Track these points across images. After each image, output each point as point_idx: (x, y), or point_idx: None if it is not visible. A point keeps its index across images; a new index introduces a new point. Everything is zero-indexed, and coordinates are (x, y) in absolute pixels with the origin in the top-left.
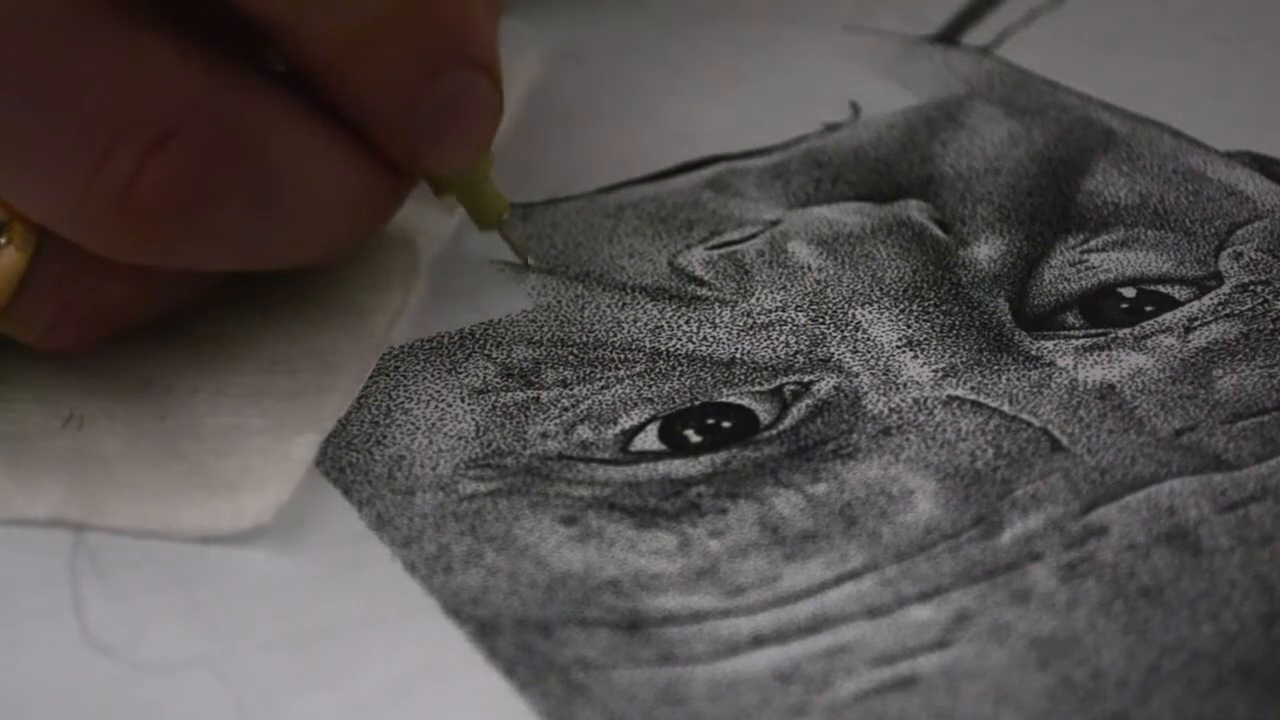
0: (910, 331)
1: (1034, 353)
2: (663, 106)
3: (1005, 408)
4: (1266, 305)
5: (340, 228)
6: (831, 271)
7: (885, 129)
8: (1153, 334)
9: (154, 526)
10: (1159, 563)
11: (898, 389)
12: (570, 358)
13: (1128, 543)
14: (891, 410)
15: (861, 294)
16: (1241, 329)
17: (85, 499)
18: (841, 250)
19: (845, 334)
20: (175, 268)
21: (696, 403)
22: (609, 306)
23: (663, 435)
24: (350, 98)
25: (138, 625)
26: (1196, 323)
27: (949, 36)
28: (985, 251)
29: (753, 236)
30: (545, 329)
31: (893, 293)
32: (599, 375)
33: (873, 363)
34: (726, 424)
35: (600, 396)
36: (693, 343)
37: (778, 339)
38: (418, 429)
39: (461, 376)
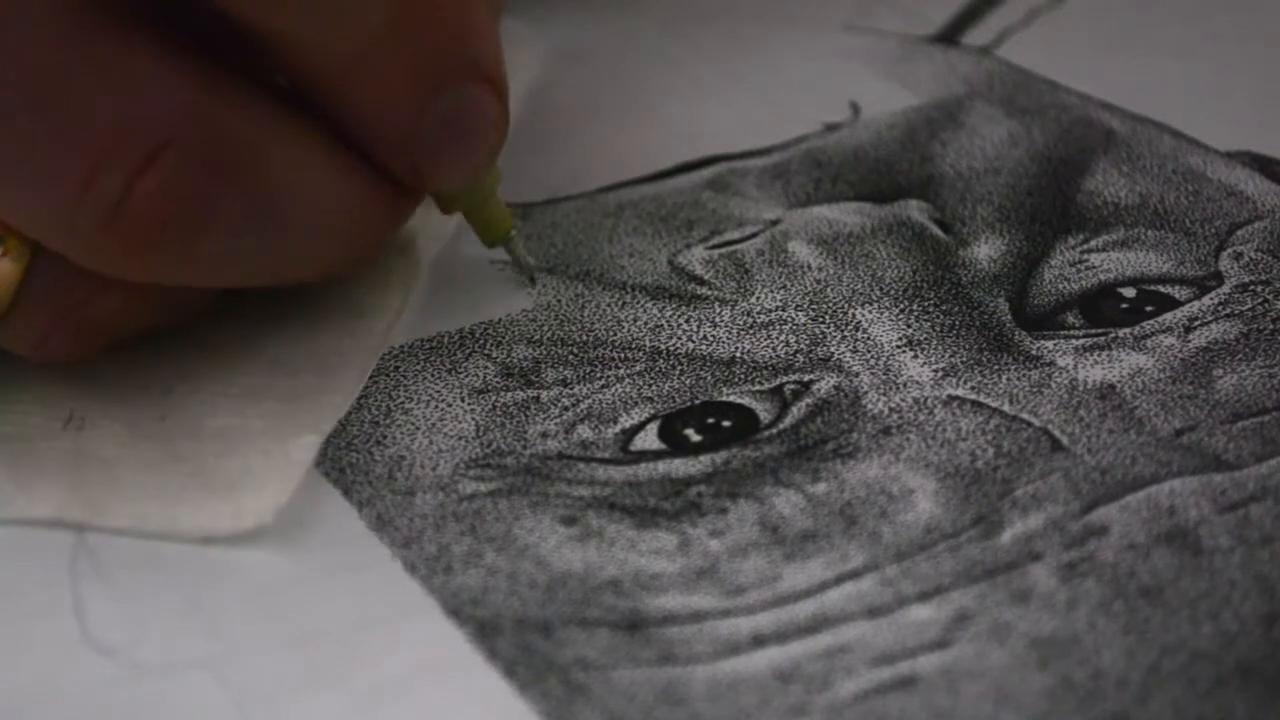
0: (910, 331)
1: (1034, 352)
2: (663, 106)
3: (1005, 407)
4: (1267, 305)
5: (338, 245)
6: (831, 271)
7: (885, 129)
8: (1153, 334)
9: (154, 527)
10: (1159, 563)
11: (898, 388)
12: (570, 357)
13: (1128, 543)
14: (891, 410)
15: (861, 293)
16: (1242, 329)
17: (85, 500)
18: (841, 250)
19: (845, 333)
20: (170, 284)
21: (696, 402)
22: (609, 306)
23: (663, 434)
24: (351, 111)
25: (138, 626)
26: (1197, 322)
27: (949, 36)
28: (985, 251)
29: (753, 236)
30: (545, 328)
31: (893, 292)
32: (599, 374)
33: (873, 362)
34: (726, 423)
35: (600, 396)
36: (693, 342)
37: (778, 338)
38: (418, 429)
39: (461, 376)
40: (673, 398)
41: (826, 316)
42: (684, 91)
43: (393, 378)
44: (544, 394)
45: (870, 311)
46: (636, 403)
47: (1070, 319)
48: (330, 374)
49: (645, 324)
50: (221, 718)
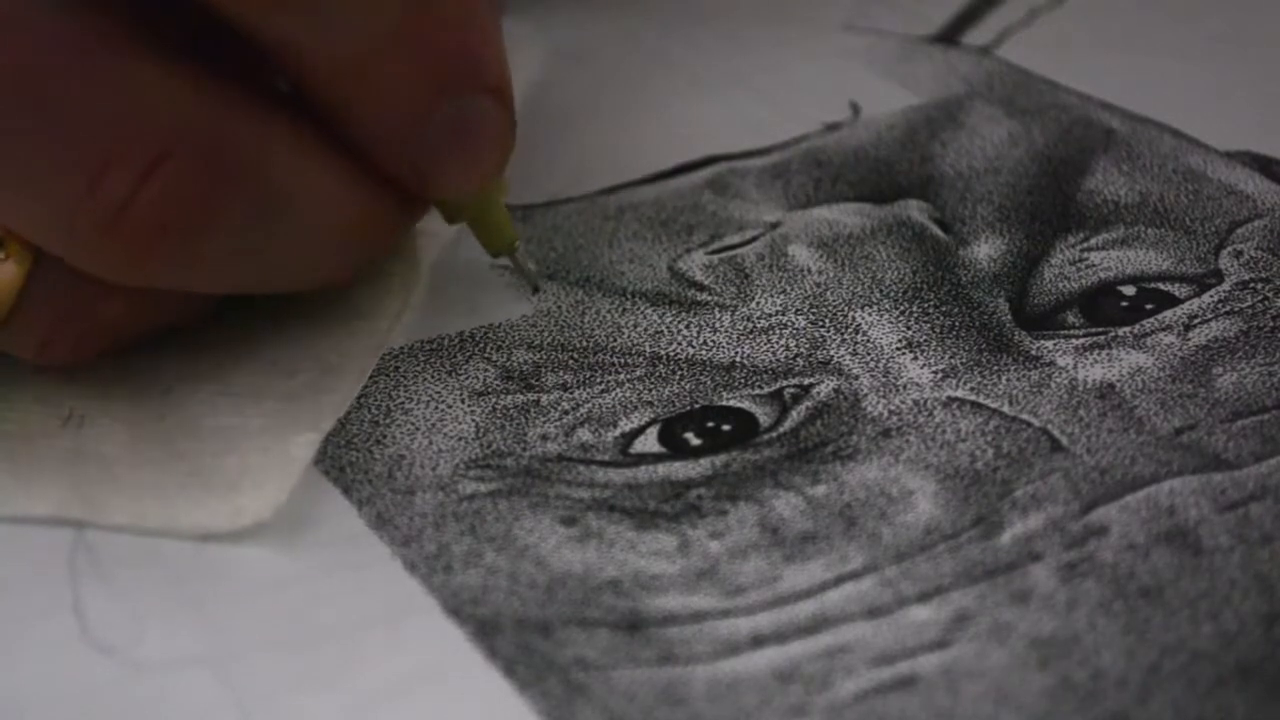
0: (910, 333)
1: (1034, 352)
2: (663, 106)
3: (1005, 408)
4: (1266, 303)
5: (341, 253)
6: (831, 274)
7: (885, 129)
8: (1153, 332)
9: (154, 525)
10: (1159, 562)
11: (897, 390)
12: (570, 362)
13: (1128, 543)
14: (891, 412)
15: (861, 296)
16: (1241, 326)
17: (85, 498)
18: (841, 252)
19: (845, 336)
20: (170, 289)
21: (696, 406)
22: (609, 311)
23: (663, 438)
24: (354, 118)
25: (138, 624)
26: (1196, 320)
27: (949, 36)
28: (985, 251)
29: (753, 240)
30: (545, 333)
31: (893, 294)
32: (599, 379)
33: (872, 365)
34: (726, 427)
35: (600, 400)
36: (693, 347)
37: (778, 342)
38: (417, 429)
39: (461, 378)
40: (672, 402)
41: (826, 320)
42: (684, 92)
43: (393, 378)
44: (544, 398)
45: (870, 314)
46: (636, 407)
47: (1070, 318)
48: (330, 373)
49: (645, 330)
50: (221, 715)
